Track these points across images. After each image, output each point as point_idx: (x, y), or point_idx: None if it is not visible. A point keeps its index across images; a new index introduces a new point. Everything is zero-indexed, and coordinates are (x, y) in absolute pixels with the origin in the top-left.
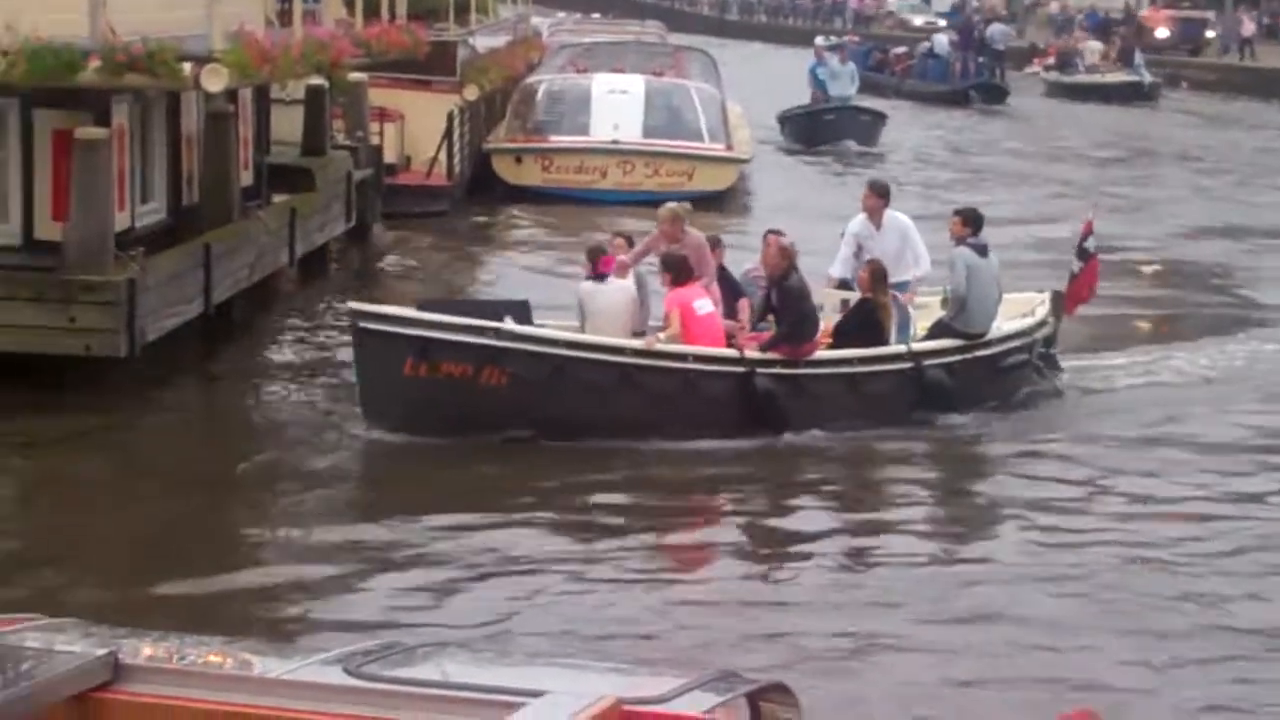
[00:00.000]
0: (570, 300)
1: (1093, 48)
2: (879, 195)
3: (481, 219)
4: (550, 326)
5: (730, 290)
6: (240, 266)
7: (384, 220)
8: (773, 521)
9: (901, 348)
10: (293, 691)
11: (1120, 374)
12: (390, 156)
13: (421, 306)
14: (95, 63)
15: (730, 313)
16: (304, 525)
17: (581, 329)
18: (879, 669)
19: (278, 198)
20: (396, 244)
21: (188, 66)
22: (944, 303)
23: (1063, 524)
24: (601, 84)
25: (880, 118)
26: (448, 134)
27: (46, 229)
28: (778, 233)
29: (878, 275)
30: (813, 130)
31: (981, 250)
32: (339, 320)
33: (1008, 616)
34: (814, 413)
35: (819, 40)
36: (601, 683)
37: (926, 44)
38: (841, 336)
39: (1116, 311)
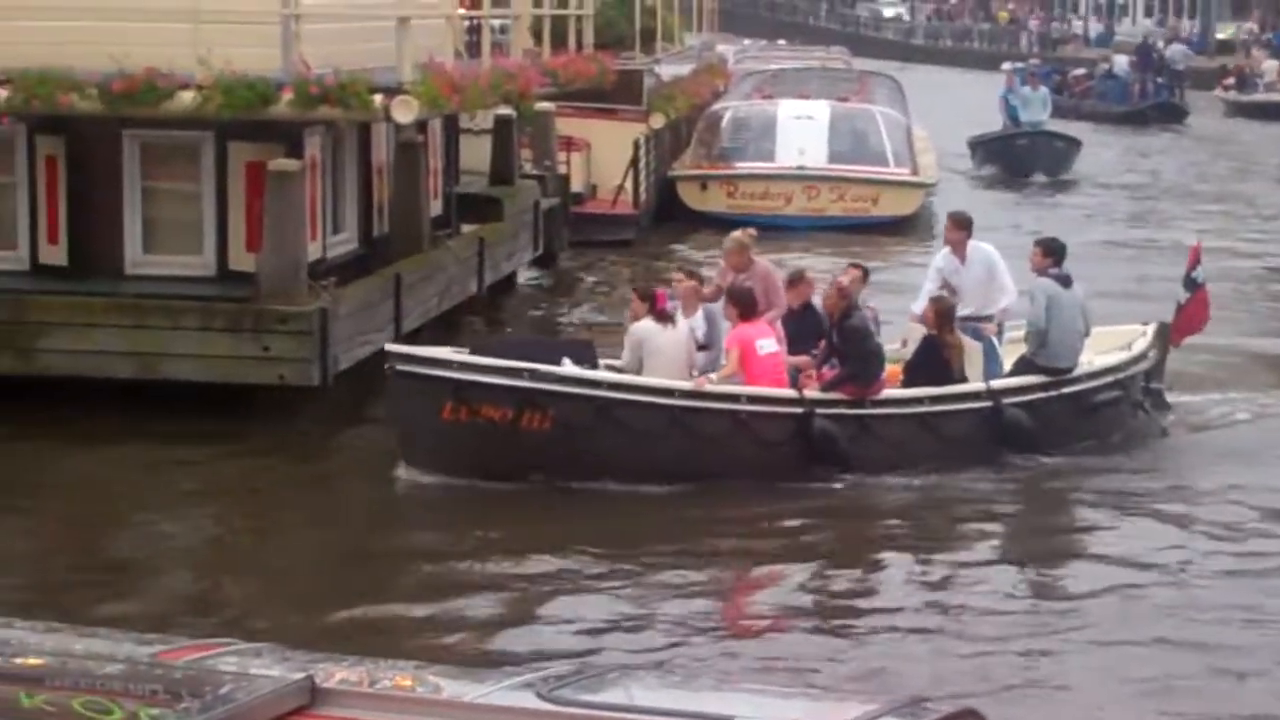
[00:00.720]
0: None
1: (1270, 66)
2: (960, 227)
3: (667, 246)
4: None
5: (813, 327)
6: (430, 296)
7: (571, 248)
8: (846, 561)
9: (979, 385)
10: (488, 716)
11: (1237, 412)
12: (577, 185)
13: (474, 349)
14: (288, 95)
15: (806, 349)
16: (468, 555)
17: (637, 371)
18: (1020, 705)
19: (466, 227)
20: (583, 272)
21: (378, 98)
22: (1027, 337)
23: (1155, 576)
24: (787, 110)
25: (1075, 144)
26: (634, 162)
27: (240, 260)
28: (859, 266)
29: (943, 313)
30: (1005, 156)
31: (1064, 281)
32: None
33: (1121, 660)
34: (882, 455)
35: (1006, 65)
36: (790, 708)
37: (1105, 65)
38: (910, 374)
39: (1258, 344)
